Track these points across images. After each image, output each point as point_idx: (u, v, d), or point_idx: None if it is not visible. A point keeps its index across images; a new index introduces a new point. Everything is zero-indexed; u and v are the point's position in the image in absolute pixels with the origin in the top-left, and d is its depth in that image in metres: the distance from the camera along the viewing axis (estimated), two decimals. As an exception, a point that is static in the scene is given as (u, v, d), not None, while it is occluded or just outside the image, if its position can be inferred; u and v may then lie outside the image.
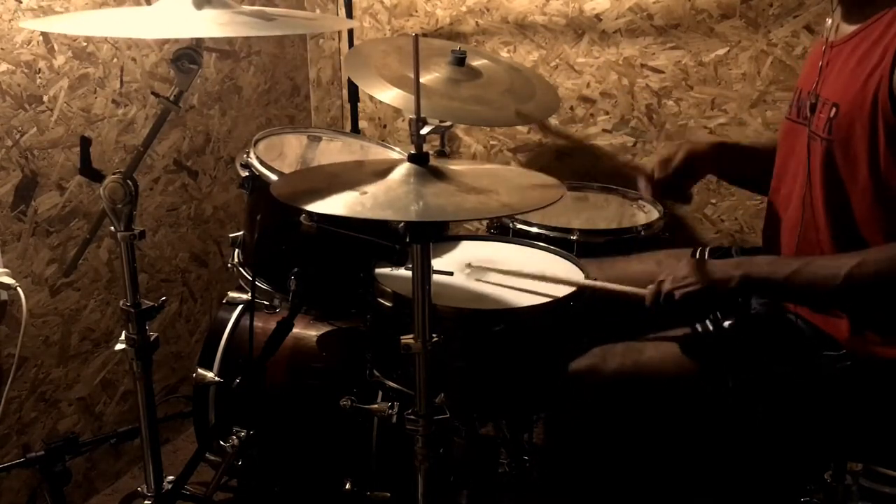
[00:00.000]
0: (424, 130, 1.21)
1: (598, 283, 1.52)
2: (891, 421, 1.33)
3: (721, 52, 2.07)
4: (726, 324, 1.42)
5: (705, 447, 1.49)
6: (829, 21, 1.42)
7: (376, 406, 1.58)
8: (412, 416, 1.29)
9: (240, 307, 1.92)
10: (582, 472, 1.65)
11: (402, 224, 1.33)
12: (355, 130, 2.49)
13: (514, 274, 1.57)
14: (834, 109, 1.30)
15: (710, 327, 1.42)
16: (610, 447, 1.55)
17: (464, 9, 2.34)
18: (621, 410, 1.48)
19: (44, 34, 1.75)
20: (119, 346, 1.48)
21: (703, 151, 1.61)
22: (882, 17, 1.26)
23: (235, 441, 1.77)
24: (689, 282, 1.34)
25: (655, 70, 2.16)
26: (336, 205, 1.13)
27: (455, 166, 1.26)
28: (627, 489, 1.59)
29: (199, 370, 1.87)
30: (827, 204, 1.33)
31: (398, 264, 1.54)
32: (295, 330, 1.67)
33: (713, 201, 2.19)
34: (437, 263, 1.50)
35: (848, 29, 1.34)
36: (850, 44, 1.32)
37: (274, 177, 1.66)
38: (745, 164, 1.65)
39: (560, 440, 1.74)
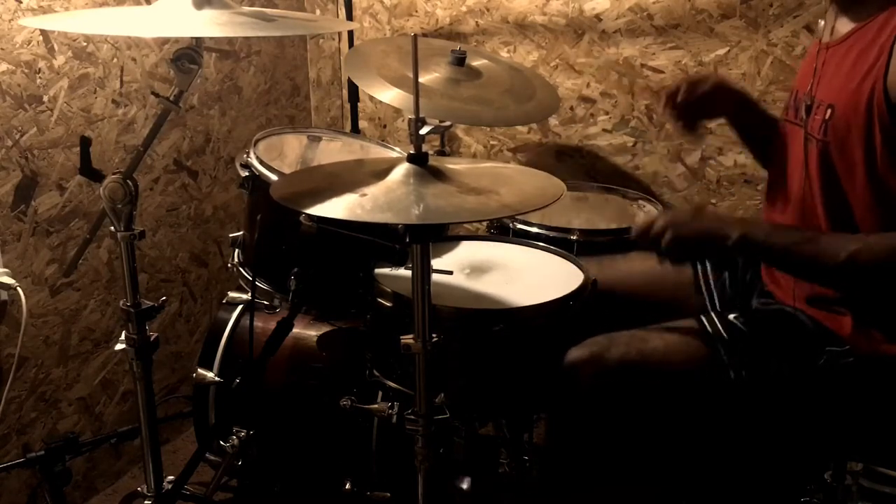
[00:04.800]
0: (424, 130, 1.21)
1: None
2: (893, 418, 1.33)
3: (721, 52, 2.07)
4: (731, 317, 1.41)
5: (707, 443, 1.48)
6: (822, 22, 1.41)
7: (376, 406, 1.58)
8: (412, 416, 1.29)
9: (240, 307, 1.92)
10: (582, 471, 1.65)
11: (402, 224, 1.33)
12: (355, 130, 2.49)
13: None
14: (829, 111, 1.30)
15: (716, 320, 1.42)
16: (610, 438, 1.54)
17: (464, 9, 2.34)
18: (623, 400, 1.46)
19: (44, 34, 1.75)
20: (119, 346, 1.49)
21: (733, 90, 1.57)
22: (876, 17, 1.26)
23: (235, 441, 1.77)
24: (684, 227, 1.31)
25: (655, 70, 2.16)
26: (336, 207, 1.12)
27: (454, 165, 1.26)
28: (627, 487, 1.59)
29: (199, 370, 1.87)
30: (826, 205, 1.33)
31: (398, 264, 1.54)
32: (295, 330, 1.67)
33: (713, 201, 2.19)
34: (436, 263, 1.51)
35: (842, 30, 1.34)
36: (845, 45, 1.32)
37: (274, 177, 1.66)
38: (760, 124, 1.61)
39: (560, 432, 1.73)
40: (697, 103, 1.54)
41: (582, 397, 1.47)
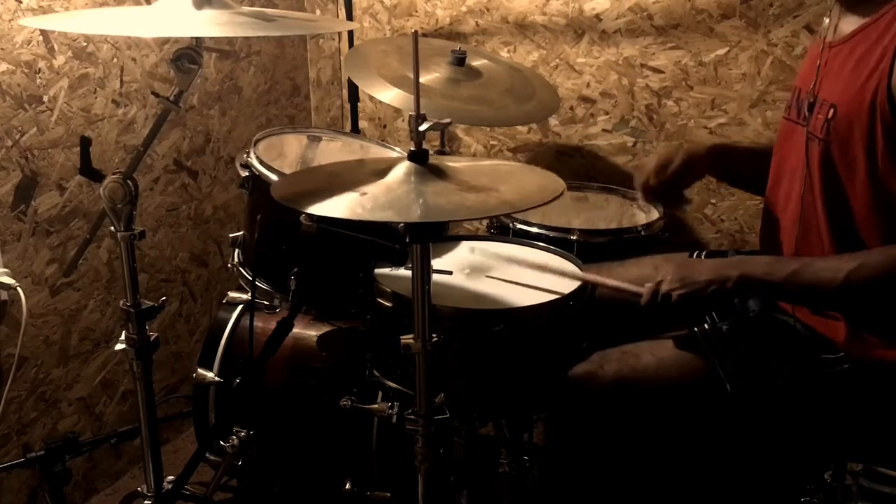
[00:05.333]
0: (424, 127, 1.20)
1: (597, 278, 1.52)
2: (890, 422, 1.33)
3: (721, 52, 2.07)
4: (723, 327, 1.42)
5: (705, 449, 1.49)
6: (827, 21, 1.41)
7: (376, 406, 1.58)
8: (412, 416, 1.29)
9: (240, 307, 1.92)
10: (582, 472, 1.65)
11: (402, 224, 1.33)
12: (355, 130, 2.49)
13: (517, 261, 1.56)
14: (832, 110, 1.29)
15: (707, 330, 1.42)
16: (609, 451, 1.55)
17: (464, 9, 2.34)
18: (620, 415, 1.47)
19: (44, 34, 1.75)
20: (119, 346, 1.48)
21: (701, 155, 1.59)
22: (881, 17, 1.26)
23: (235, 441, 1.77)
24: (686, 283, 1.34)
25: (655, 70, 2.16)
26: (336, 207, 1.12)
27: (454, 164, 1.26)
28: (627, 487, 1.59)
29: (199, 370, 1.87)
30: (826, 205, 1.33)
31: (398, 264, 1.54)
32: (295, 330, 1.67)
33: (713, 201, 2.19)
34: (437, 263, 1.51)
35: (846, 29, 1.34)
36: (849, 44, 1.32)
37: (274, 177, 1.66)
38: (743, 166, 1.64)
39: (560, 442, 1.73)
40: (671, 181, 1.58)
41: (581, 413, 1.48)
